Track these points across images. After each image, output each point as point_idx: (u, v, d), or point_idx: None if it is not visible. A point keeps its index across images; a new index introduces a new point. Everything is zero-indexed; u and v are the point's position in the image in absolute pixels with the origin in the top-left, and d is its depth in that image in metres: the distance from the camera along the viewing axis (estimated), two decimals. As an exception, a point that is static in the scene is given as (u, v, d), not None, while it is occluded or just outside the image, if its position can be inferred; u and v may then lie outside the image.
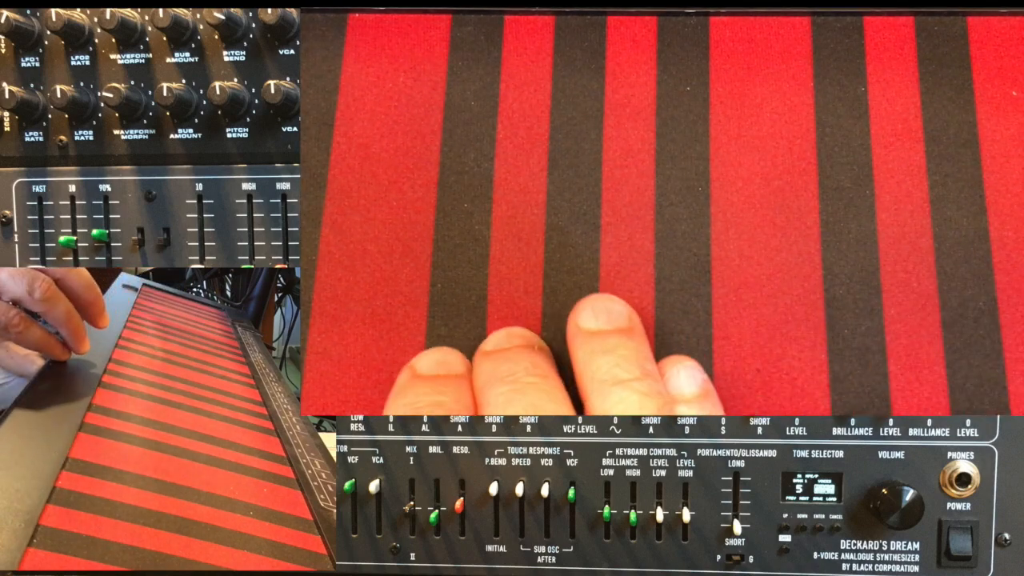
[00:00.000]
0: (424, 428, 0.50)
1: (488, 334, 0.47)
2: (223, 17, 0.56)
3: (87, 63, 0.59)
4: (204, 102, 0.58)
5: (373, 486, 0.50)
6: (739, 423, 0.49)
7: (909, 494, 0.47)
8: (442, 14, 0.55)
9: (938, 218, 0.50)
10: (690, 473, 0.49)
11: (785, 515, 0.49)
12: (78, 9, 0.58)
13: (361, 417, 0.51)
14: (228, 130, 0.58)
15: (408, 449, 0.51)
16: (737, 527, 0.49)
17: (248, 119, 0.58)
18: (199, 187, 0.59)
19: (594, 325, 0.44)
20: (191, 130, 0.59)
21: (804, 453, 0.49)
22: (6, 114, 0.60)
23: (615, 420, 0.49)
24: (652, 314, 0.49)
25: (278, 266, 0.71)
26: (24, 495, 0.41)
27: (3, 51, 0.60)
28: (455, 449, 0.50)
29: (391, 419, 0.51)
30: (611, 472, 0.50)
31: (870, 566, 0.49)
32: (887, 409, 0.47)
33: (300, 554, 0.46)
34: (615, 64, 0.53)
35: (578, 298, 0.49)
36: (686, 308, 0.49)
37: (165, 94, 0.56)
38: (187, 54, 0.58)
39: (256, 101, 0.58)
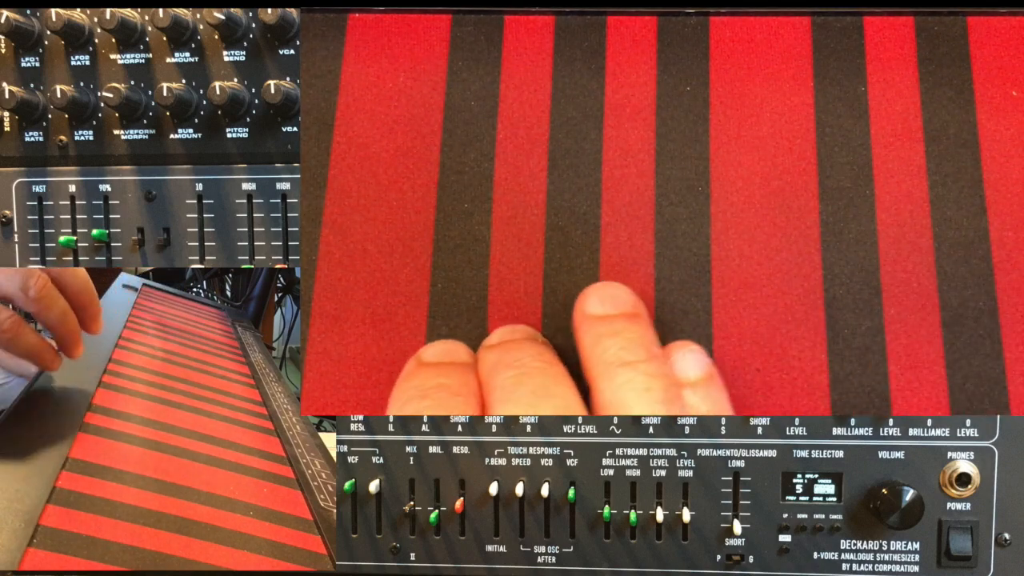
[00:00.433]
0: (424, 428, 0.50)
1: (489, 334, 0.47)
2: (223, 17, 0.56)
3: (87, 63, 0.59)
4: (204, 102, 0.58)
5: (373, 486, 0.50)
6: (739, 423, 0.49)
7: (909, 494, 0.47)
8: (442, 14, 0.55)
9: (938, 218, 0.50)
10: (690, 473, 0.49)
11: (785, 515, 0.49)
12: (78, 9, 0.58)
13: (361, 417, 0.51)
14: (228, 130, 0.58)
15: (408, 449, 0.51)
16: (737, 527, 0.49)
17: (248, 119, 0.58)
18: (199, 187, 0.59)
19: (600, 310, 0.45)
20: (191, 130, 0.59)
21: (804, 453, 0.49)
22: (6, 114, 0.60)
23: (615, 420, 0.50)
24: (652, 314, 0.49)
25: (278, 266, 0.71)
26: (24, 495, 0.41)
27: (3, 51, 0.60)
28: (455, 449, 0.50)
29: (391, 419, 0.51)
30: (611, 472, 0.50)
31: (870, 566, 0.49)
32: (887, 409, 0.47)
33: (300, 554, 0.46)
34: (615, 64, 0.53)
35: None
36: (686, 308, 0.49)
37: (165, 94, 0.56)
38: (187, 54, 0.58)
39: (256, 101, 0.58)
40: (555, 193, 0.51)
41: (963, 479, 0.48)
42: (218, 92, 0.56)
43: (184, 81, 0.58)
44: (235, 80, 0.58)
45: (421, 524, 0.50)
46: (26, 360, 0.59)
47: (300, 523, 0.50)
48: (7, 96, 0.58)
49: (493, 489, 0.50)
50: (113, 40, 0.59)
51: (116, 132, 0.59)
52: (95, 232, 0.60)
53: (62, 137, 0.60)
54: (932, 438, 0.48)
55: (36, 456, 0.47)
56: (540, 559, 0.50)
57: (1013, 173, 0.51)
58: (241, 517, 0.48)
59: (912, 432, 0.48)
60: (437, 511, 0.50)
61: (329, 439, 0.70)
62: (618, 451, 0.49)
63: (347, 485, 0.51)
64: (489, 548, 0.50)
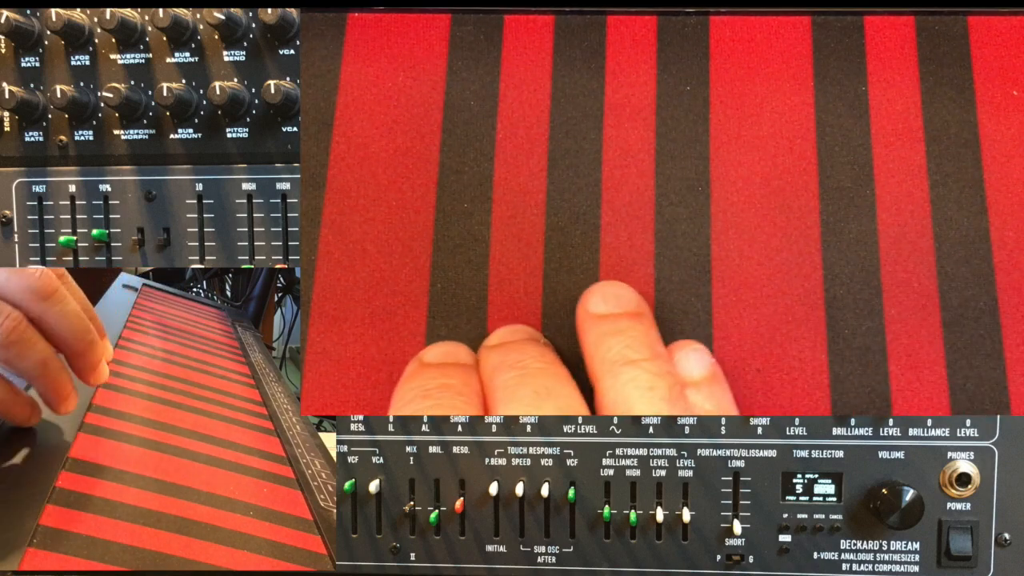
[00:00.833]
0: (424, 428, 0.50)
1: (488, 334, 0.47)
2: (223, 17, 0.56)
3: (87, 63, 0.59)
4: (204, 102, 0.58)
5: (373, 486, 0.50)
6: (739, 423, 0.49)
7: (909, 494, 0.47)
8: (442, 13, 0.55)
9: (939, 218, 0.50)
10: (690, 473, 0.49)
11: (785, 515, 0.49)
12: (78, 9, 0.58)
13: (361, 417, 0.51)
14: (228, 130, 0.58)
15: (408, 449, 0.51)
16: (737, 527, 0.49)
17: (248, 119, 0.58)
18: (199, 187, 0.59)
19: (604, 309, 0.45)
20: (191, 130, 0.59)
21: (804, 453, 0.49)
22: (6, 114, 0.60)
23: (615, 420, 0.49)
24: (652, 314, 0.49)
25: (278, 266, 0.71)
26: (24, 495, 0.41)
27: (3, 51, 0.60)
28: (455, 449, 0.50)
29: (391, 419, 0.51)
30: (611, 472, 0.50)
31: (870, 566, 0.49)
32: (887, 409, 0.47)
33: (300, 554, 0.46)
34: (615, 64, 0.53)
35: (578, 298, 0.49)
36: (686, 308, 0.49)
37: (165, 94, 0.56)
38: (187, 54, 0.58)
39: (256, 101, 0.58)
40: (555, 193, 0.51)
41: (963, 479, 0.48)
42: (218, 92, 0.56)
43: (184, 81, 0.58)
44: (235, 80, 0.58)
45: (421, 524, 0.50)
46: None
47: (300, 523, 0.50)
48: (7, 96, 0.58)
49: (493, 489, 0.50)
50: (113, 40, 0.59)
51: (116, 132, 0.59)
52: (95, 232, 0.60)
53: (62, 137, 0.60)
54: (932, 438, 0.48)
55: (36, 456, 0.47)
56: (540, 559, 0.50)
57: (1014, 173, 0.51)
58: (241, 517, 0.47)
59: (912, 432, 0.48)
60: (437, 511, 0.50)
61: (329, 439, 0.70)
62: (618, 451, 0.49)
63: (347, 485, 0.51)
64: (489, 548, 0.50)
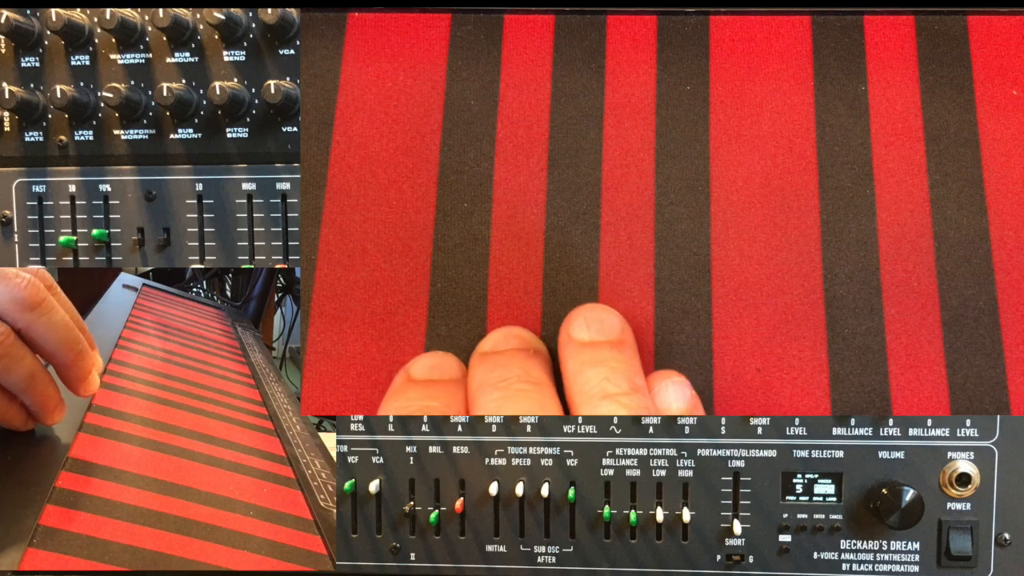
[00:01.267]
0: (424, 428, 0.50)
1: (488, 333, 0.47)
2: (223, 17, 0.56)
3: (87, 63, 0.59)
4: (204, 102, 0.58)
5: (373, 486, 0.50)
6: (739, 423, 0.49)
7: (909, 494, 0.47)
8: (442, 13, 0.55)
9: (938, 217, 0.50)
10: (690, 473, 0.49)
11: (785, 515, 0.49)
12: (78, 9, 0.58)
13: (361, 417, 0.51)
14: (228, 130, 0.58)
15: (408, 449, 0.50)
16: (737, 527, 0.49)
17: (248, 119, 0.58)
18: (199, 187, 0.59)
19: (586, 336, 0.44)
20: (191, 130, 0.59)
21: (804, 453, 0.49)
22: (6, 114, 0.60)
23: (615, 420, 0.49)
24: (652, 314, 0.49)
25: (278, 266, 0.71)
26: (24, 495, 0.41)
27: (3, 51, 0.60)
28: (455, 449, 0.50)
29: (391, 419, 0.51)
30: (611, 472, 0.50)
31: (870, 566, 0.49)
32: (887, 409, 0.47)
33: (300, 554, 0.46)
34: (615, 64, 0.53)
35: (578, 298, 0.49)
36: (686, 308, 0.49)
37: (165, 94, 0.56)
38: (187, 54, 0.58)
39: (256, 101, 0.58)
40: (555, 193, 0.51)
41: (963, 479, 0.48)
42: (218, 92, 0.56)
43: (184, 81, 0.58)
44: (235, 80, 0.58)
45: (421, 524, 0.50)
46: None
47: (300, 523, 0.50)
48: (7, 96, 0.58)
49: (493, 489, 0.50)
50: (113, 40, 0.59)
51: (116, 132, 0.59)
52: (95, 232, 0.60)
53: (62, 137, 0.60)
54: (932, 438, 0.48)
55: (36, 456, 0.47)
56: (540, 559, 0.50)
57: (1013, 172, 0.51)
58: (241, 517, 0.47)
59: (912, 432, 0.48)
60: (437, 511, 0.50)
61: (329, 439, 0.70)
62: (618, 451, 0.49)
63: (347, 485, 0.51)
64: (489, 548, 0.50)
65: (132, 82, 0.59)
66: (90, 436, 0.52)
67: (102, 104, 0.59)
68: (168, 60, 0.58)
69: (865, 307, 0.49)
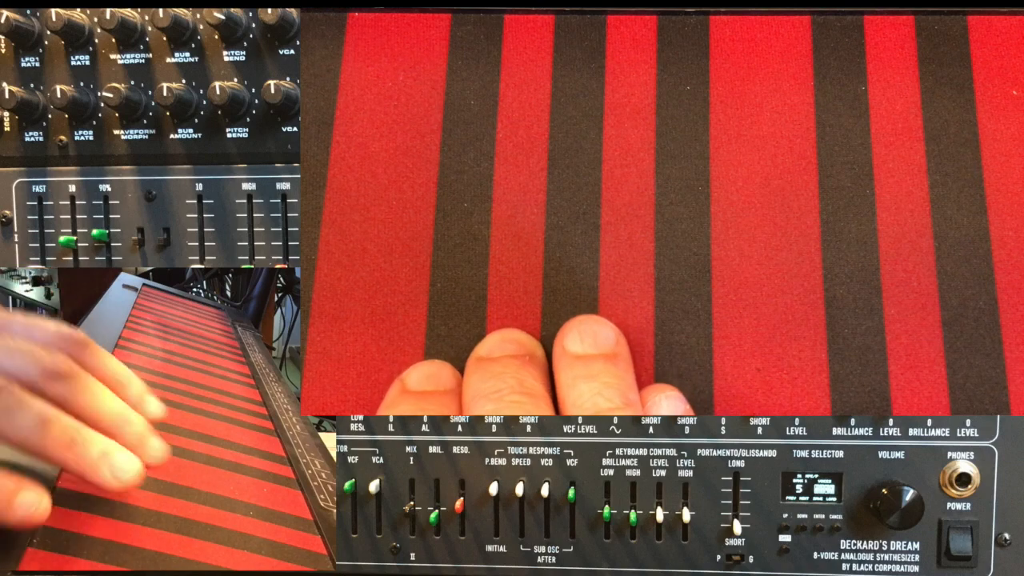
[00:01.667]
0: (424, 428, 0.50)
1: (488, 333, 0.47)
2: (223, 17, 0.56)
3: (87, 63, 0.59)
4: (204, 102, 0.58)
5: (373, 486, 0.50)
6: (739, 423, 0.49)
7: (909, 494, 0.47)
8: (442, 13, 0.55)
9: (938, 217, 0.50)
10: (690, 473, 0.49)
11: (785, 515, 0.49)
12: (78, 9, 0.58)
13: (361, 417, 0.51)
14: (228, 130, 0.58)
15: (408, 449, 0.50)
16: (737, 527, 0.49)
17: (248, 119, 0.58)
18: (199, 187, 0.59)
19: (580, 349, 0.44)
20: (191, 130, 0.59)
21: (804, 453, 0.49)
22: (6, 114, 0.60)
23: (615, 420, 0.49)
24: (652, 314, 0.49)
25: (278, 266, 0.71)
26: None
27: (3, 51, 0.60)
28: (455, 449, 0.50)
29: (391, 419, 0.51)
30: (611, 472, 0.50)
31: (870, 566, 0.49)
32: (887, 409, 0.47)
33: (300, 554, 0.46)
34: (615, 64, 0.53)
35: (578, 297, 0.49)
36: (686, 308, 0.49)
37: (165, 94, 0.56)
38: (187, 54, 0.58)
39: (256, 101, 0.58)
40: (555, 193, 0.51)
41: (963, 479, 0.48)
42: (218, 92, 0.56)
43: (184, 81, 0.58)
44: (235, 80, 0.58)
45: (421, 524, 0.50)
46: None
47: (300, 523, 0.50)
48: (7, 96, 0.58)
49: (493, 489, 0.50)
50: (113, 40, 0.59)
51: (116, 132, 0.59)
52: (95, 232, 0.60)
53: (62, 137, 0.60)
54: (932, 438, 0.48)
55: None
56: (540, 559, 0.50)
57: (1013, 172, 0.51)
58: (241, 517, 0.48)
59: (912, 432, 0.48)
60: (437, 511, 0.50)
61: (329, 439, 0.70)
62: (618, 451, 0.49)
63: (347, 485, 0.51)
64: (489, 548, 0.50)
65: (132, 82, 0.59)
66: (90, 436, 0.52)
67: (102, 104, 0.59)
68: (168, 60, 0.58)
69: (865, 307, 0.48)
